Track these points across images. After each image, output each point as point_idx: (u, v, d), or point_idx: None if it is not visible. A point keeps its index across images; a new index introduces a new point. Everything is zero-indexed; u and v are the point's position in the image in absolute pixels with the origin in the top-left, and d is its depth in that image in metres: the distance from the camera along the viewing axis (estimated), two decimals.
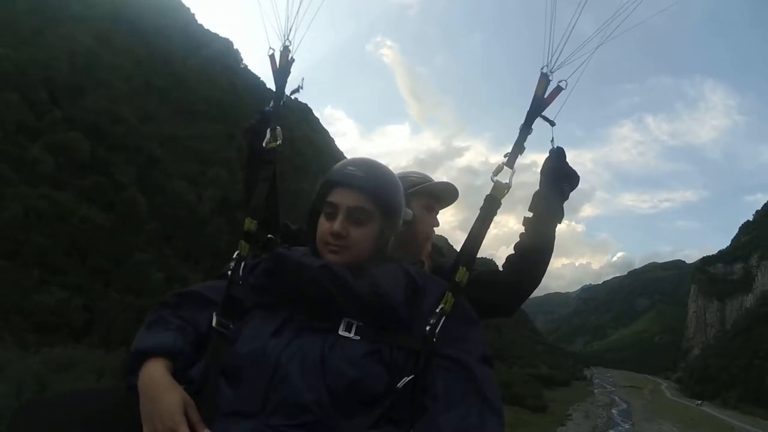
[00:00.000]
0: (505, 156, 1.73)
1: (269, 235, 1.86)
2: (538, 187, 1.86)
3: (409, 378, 1.41)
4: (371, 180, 1.63)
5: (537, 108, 1.72)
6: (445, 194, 2.24)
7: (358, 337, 1.44)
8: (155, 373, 1.42)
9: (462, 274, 1.57)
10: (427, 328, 1.47)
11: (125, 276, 22.23)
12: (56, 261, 20.60)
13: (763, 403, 72.64)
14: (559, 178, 1.84)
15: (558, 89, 1.71)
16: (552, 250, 1.88)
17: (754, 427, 51.72)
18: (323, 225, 1.61)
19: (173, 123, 43.38)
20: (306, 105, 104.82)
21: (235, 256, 1.70)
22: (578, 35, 1.71)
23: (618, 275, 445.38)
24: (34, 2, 39.19)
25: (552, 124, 1.74)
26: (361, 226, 1.59)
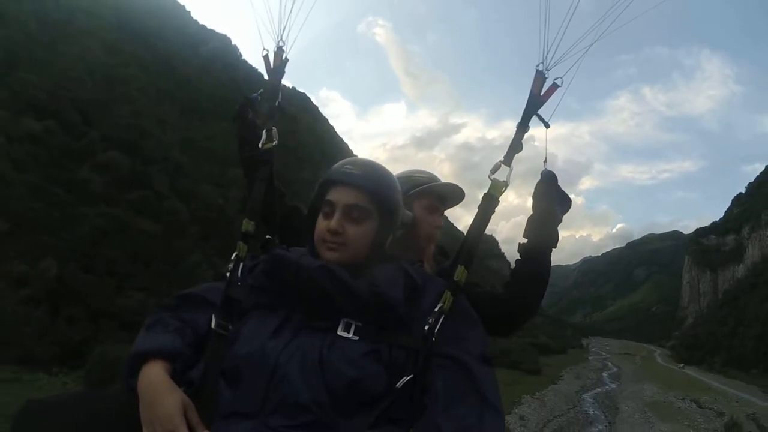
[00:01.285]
0: (503, 158, 1.70)
1: (267, 236, 1.83)
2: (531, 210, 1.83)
3: (409, 378, 1.39)
4: (368, 178, 1.62)
5: (533, 106, 1.70)
6: (450, 195, 2.20)
7: (357, 337, 1.43)
8: (154, 376, 1.41)
9: (461, 273, 1.55)
10: (426, 327, 1.46)
11: (182, 277, 24.81)
12: (125, 269, 23.75)
13: (745, 367, 76.69)
14: (552, 203, 1.80)
15: (554, 87, 1.70)
16: (548, 275, 1.83)
17: (730, 388, 55.34)
18: (321, 223, 1.60)
19: (186, 126, 44.78)
20: (305, 94, 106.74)
21: (233, 257, 1.69)
22: (574, 30, 1.66)
23: (617, 247, 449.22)
24: (41, 19, 39.27)
25: (546, 126, 1.72)
26: (358, 223, 1.58)
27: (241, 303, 1.58)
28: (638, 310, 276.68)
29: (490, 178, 1.69)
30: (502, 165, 1.69)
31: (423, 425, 1.34)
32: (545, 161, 1.82)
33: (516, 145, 1.70)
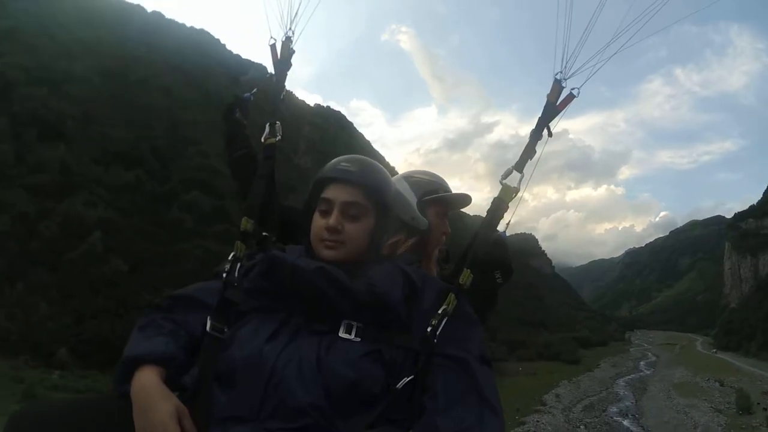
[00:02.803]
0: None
1: (264, 233, 1.78)
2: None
3: (409, 378, 1.39)
4: (365, 175, 1.61)
5: (549, 115, 1.69)
6: (461, 204, 2.23)
7: (359, 339, 1.42)
8: (148, 382, 1.38)
9: (466, 277, 1.55)
10: (429, 328, 1.45)
11: None
12: None
13: None
14: (493, 267, 1.78)
15: (570, 97, 1.69)
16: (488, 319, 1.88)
17: (761, 370, 57.62)
18: (318, 221, 1.59)
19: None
20: (340, 113, 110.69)
21: (230, 257, 1.66)
22: (594, 41, 1.66)
23: (661, 236, 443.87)
24: (102, 72, 42.04)
25: (549, 135, 1.70)
26: (355, 221, 1.58)
27: (237, 305, 1.54)
28: (683, 300, 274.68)
29: (501, 183, 1.68)
30: (514, 171, 1.68)
31: (422, 426, 1.32)
32: (507, 224, 1.72)
33: (529, 152, 1.69)
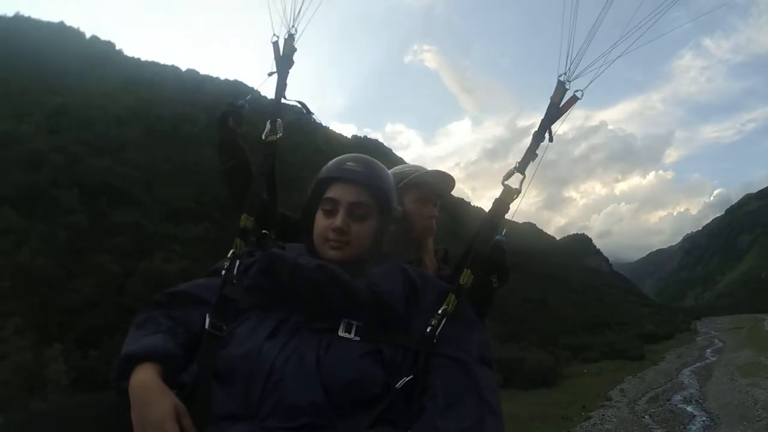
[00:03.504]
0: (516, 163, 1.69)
1: (264, 231, 1.79)
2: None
3: (408, 378, 1.39)
4: (370, 175, 1.62)
5: (552, 116, 1.69)
6: (438, 182, 2.21)
7: (358, 338, 1.42)
8: (146, 379, 1.37)
9: (467, 277, 1.56)
10: (429, 328, 1.46)
11: None
12: None
13: None
14: (492, 273, 1.77)
15: (574, 99, 1.69)
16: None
17: None
18: (322, 221, 1.59)
19: (287, 203, 49.73)
20: (376, 141, 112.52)
21: (229, 254, 1.66)
22: (599, 42, 1.66)
23: (717, 215, 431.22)
24: (150, 129, 43.84)
25: (550, 139, 1.70)
26: (361, 221, 1.58)
27: (236, 302, 1.53)
28: (749, 280, 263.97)
29: (502, 184, 1.67)
30: (516, 172, 1.67)
31: (422, 426, 1.32)
32: (503, 232, 1.74)
33: (531, 154, 1.69)
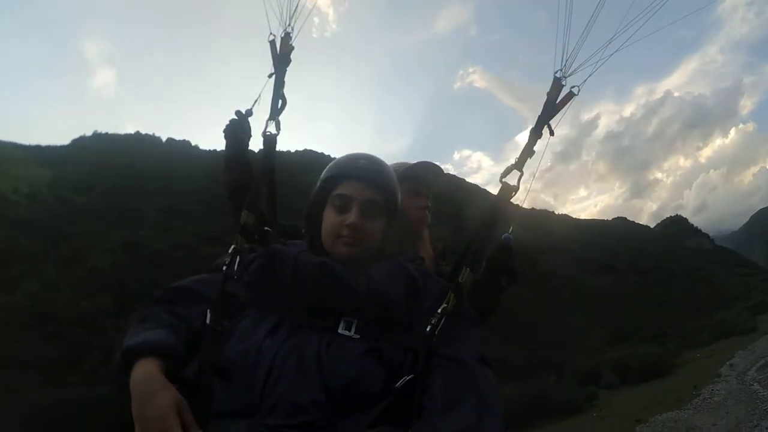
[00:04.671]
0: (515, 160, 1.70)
1: (266, 228, 1.80)
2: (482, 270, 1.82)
3: (408, 378, 1.39)
4: (381, 174, 1.65)
5: (549, 113, 1.70)
6: (426, 172, 2.25)
7: (358, 336, 1.42)
8: (147, 373, 1.35)
9: (466, 275, 1.58)
10: (428, 327, 1.46)
11: None
12: None
13: None
14: (500, 273, 1.81)
15: (570, 95, 1.69)
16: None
17: None
18: (333, 218, 1.59)
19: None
20: (455, 177, 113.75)
21: (230, 250, 1.66)
22: (595, 38, 1.65)
23: None
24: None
25: (551, 133, 1.70)
26: (372, 219, 1.60)
27: (237, 299, 1.54)
28: None
29: (500, 182, 1.69)
30: (514, 169, 1.68)
31: (421, 426, 1.32)
32: (511, 229, 1.77)
33: (528, 151, 1.69)
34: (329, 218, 1.62)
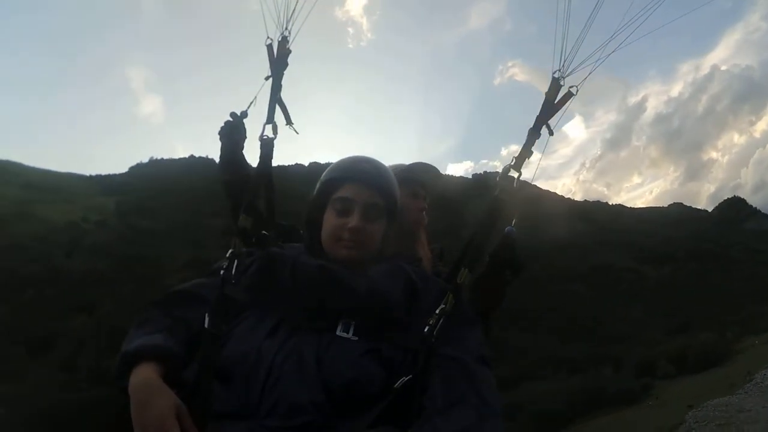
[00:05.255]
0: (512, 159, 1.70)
1: (263, 232, 1.80)
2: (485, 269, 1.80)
3: (408, 378, 1.39)
4: (382, 177, 1.66)
5: (547, 113, 1.70)
6: (420, 174, 2.27)
7: (356, 337, 1.43)
8: (145, 378, 1.35)
9: (464, 276, 1.57)
10: (427, 328, 1.46)
11: None
12: None
13: None
14: (504, 267, 1.79)
15: (569, 95, 1.69)
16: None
17: None
18: (334, 220, 1.61)
19: None
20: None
21: (228, 254, 1.64)
22: (593, 38, 1.65)
23: None
24: None
25: (550, 133, 1.70)
26: (373, 222, 1.62)
27: (235, 302, 1.54)
28: None
29: (498, 182, 1.70)
30: (512, 170, 1.69)
31: (421, 426, 1.31)
32: (513, 222, 1.75)
33: (526, 151, 1.69)
34: (330, 221, 1.64)
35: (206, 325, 1.49)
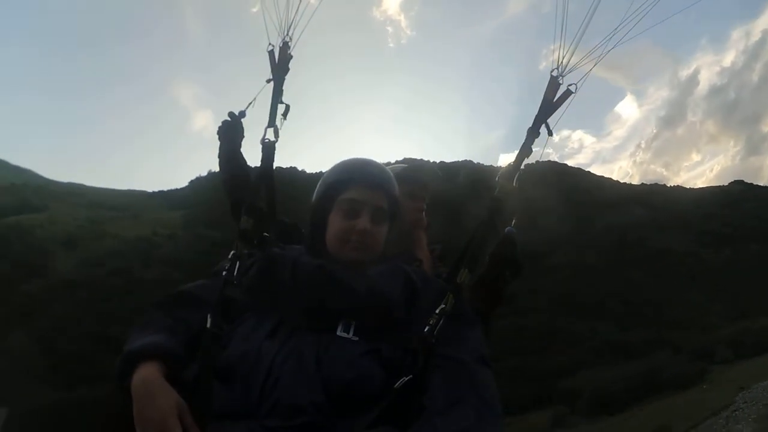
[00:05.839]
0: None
1: (264, 233, 1.79)
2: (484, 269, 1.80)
3: (408, 378, 1.38)
4: (387, 180, 1.67)
5: (546, 112, 1.70)
6: (421, 175, 2.27)
7: (357, 338, 1.42)
8: (148, 376, 1.36)
9: (464, 276, 1.57)
10: (426, 328, 1.45)
11: None
12: None
13: None
14: (504, 267, 1.80)
15: (567, 93, 1.69)
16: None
17: None
18: (341, 223, 1.60)
19: None
20: (552, 162, 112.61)
21: (230, 255, 1.66)
22: (590, 37, 1.66)
23: None
24: None
25: (549, 133, 1.69)
26: (379, 225, 1.62)
27: (236, 302, 1.55)
28: None
29: (497, 181, 1.70)
30: (511, 170, 1.69)
31: (421, 426, 1.31)
32: (513, 222, 1.76)
33: (526, 150, 1.70)
34: (336, 222, 1.63)
35: (208, 325, 1.50)
